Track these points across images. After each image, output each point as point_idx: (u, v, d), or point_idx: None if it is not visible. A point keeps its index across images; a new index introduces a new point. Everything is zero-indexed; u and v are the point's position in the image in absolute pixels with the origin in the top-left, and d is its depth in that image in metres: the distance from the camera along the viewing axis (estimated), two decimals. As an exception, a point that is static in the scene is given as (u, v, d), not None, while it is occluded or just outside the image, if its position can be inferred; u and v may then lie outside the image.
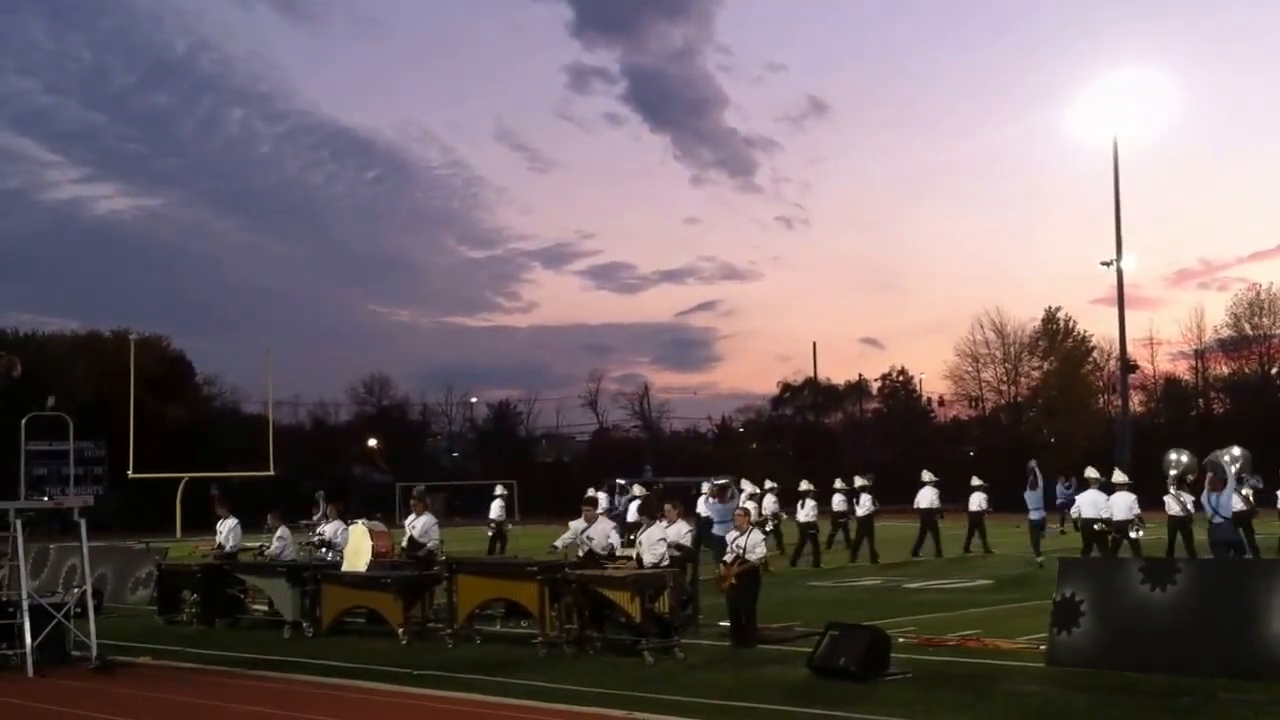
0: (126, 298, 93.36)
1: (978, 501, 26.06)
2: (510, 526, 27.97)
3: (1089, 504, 20.56)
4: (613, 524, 15.07)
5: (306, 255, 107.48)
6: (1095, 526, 20.17)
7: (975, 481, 26.30)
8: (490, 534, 26.65)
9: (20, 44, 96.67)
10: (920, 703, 9.25)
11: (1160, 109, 48.32)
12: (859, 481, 25.72)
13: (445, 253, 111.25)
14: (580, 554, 14.45)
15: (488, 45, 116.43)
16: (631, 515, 23.78)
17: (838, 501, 26.69)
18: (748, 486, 27.77)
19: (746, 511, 14.81)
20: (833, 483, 27.72)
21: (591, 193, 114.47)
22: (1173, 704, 8.97)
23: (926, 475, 26.34)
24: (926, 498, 25.94)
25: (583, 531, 14.82)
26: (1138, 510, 20.48)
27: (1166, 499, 21.09)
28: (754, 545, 13.02)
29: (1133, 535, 20.26)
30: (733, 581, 12.89)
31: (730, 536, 13.32)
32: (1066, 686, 9.79)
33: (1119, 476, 21.08)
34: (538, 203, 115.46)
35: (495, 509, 27.04)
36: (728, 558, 13.10)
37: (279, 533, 17.40)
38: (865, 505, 25.10)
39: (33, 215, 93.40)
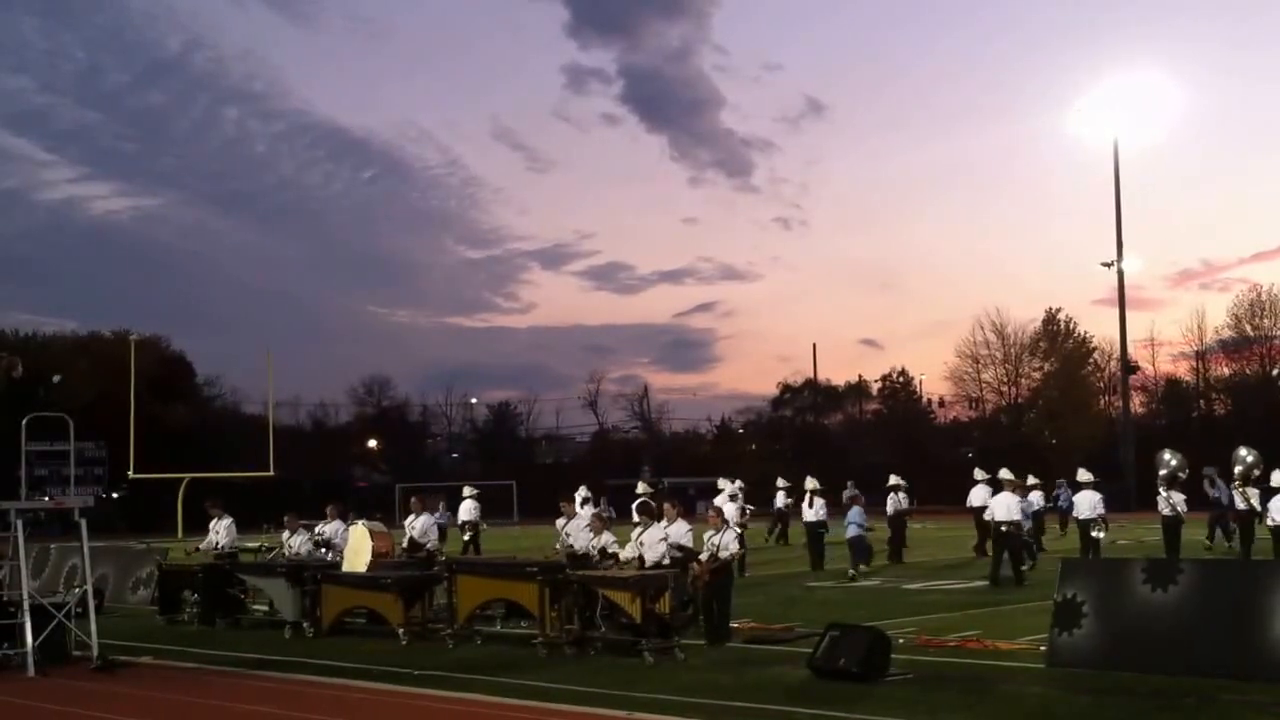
0: (125, 298, 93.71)
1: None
2: (484, 528, 27.33)
3: (1001, 506, 19.51)
4: (587, 522, 15.01)
5: (305, 255, 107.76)
6: (1003, 529, 19.14)
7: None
8: (466, 537, 25.83)
9: (13, 42, 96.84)
10: (921, 703, 9.24)
11: (1162, 110, 48.45)
12: (892, 480, 25.43)
13: (443, 253, 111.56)
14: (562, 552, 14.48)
15: (483, 45, 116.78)
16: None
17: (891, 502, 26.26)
18: (726, 485, 27.59)
19: (719, 511, 14.80)
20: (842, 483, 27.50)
21: (589, 193, 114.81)
22: (1174, 705, 8.96)
23: (979, 473, 25.53)
24: (980, 496, 25.06)
25: (563, 528, 14.82)
26: (1101, 510, 20.46)
27: (1158, 499, 21.10)
28: (726, 544, 13.08)
29: (1094, 534, 20.15)
30: (707, 579, 12.94)
31: (706, 535, 13.34)
32: (1067, 687, 9.78)
33: (1084, 475, 20.97)
34: (535, 203, 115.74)
35: (465, 510, 26.09)
36: (703, 556, 13.14)
37: (297, 532, 17.41)
38: (892, 504, 24.91)
39: (30, 215, 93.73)
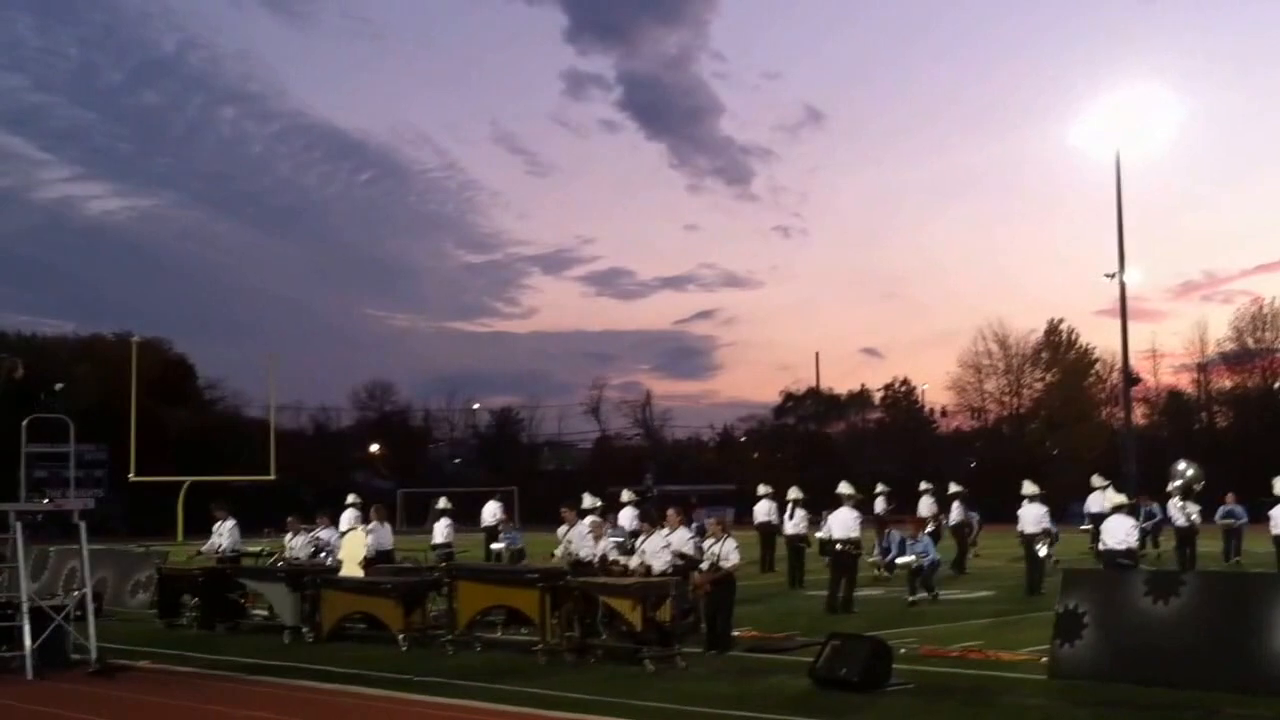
0: (124, 299, 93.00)
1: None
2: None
3: (840, 524, 17.77)
4: (588, 527, 14.93)
5: (304, 257, 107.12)
6: (838, 547, 17.45)
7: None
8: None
9: (7, 40, 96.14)
10: (921, 714, 9.23)
11: (1165, 122, 48.27)
12: (953, 488, 24.43)
13: (443, 257, 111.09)
14: (565, 559, 14.42)
15: (482, 49, 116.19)
16: (628, 522, 22.44)
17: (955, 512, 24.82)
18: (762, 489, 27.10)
19: (721, 520, 14.73)
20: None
21: (589, 199, 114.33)
22: (1176, 717, 8.95)
23: (1098, 480, 24.30)
24: (1098, 502, 23.65)
25: (564, 535, 14.78)
26: (1047, 524, 19.54)
27: (1171, 511, 20.91)
28: (728, 553, 13.03)
29: (1038, 550, 19.16)
30: (708, 589, 12.91)
31: (706, 544, 13.31)
32: (1068, 699, 9.76)
33: (1029, 488, 20.19)
34: (535, 208, 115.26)
35: (346, 520, 21.15)
36: (703, 566, 13.11)
37: (299, 535, 17.39)
38: (956, 514, 24.00)
39: (26, 215, 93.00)
